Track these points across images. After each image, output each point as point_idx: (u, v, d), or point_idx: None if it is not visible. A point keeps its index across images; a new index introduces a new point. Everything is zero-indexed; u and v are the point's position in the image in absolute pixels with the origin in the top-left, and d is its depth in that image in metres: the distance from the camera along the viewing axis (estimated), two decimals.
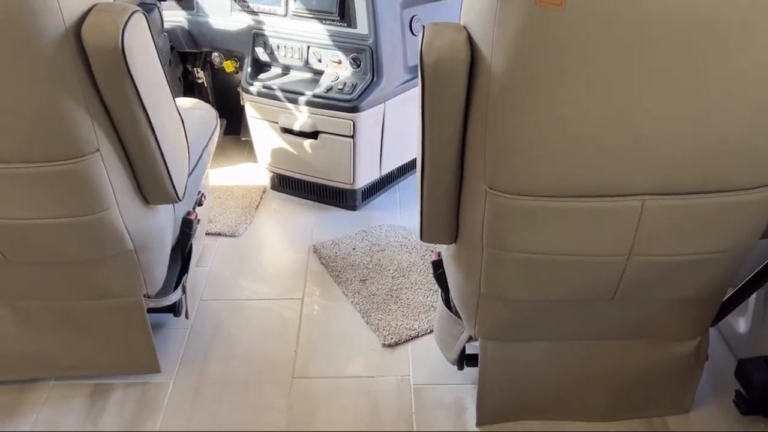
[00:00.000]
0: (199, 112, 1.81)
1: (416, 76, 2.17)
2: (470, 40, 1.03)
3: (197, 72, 2.46)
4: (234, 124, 2.67)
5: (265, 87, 2.10)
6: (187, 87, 2.53)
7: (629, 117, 0.98)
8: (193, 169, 1.62)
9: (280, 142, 2.19)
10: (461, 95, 1.05)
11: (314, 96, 2.03)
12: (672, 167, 1.04)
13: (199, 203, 1.80)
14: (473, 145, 1.10)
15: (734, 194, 1.08)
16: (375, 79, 2.02)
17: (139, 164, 1.28)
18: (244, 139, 2.53)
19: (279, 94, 2.07)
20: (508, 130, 1.03)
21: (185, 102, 1.86)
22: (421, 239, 1.30)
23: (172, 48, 2.21)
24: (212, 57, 2.32)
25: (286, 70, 2.17)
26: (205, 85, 2.52)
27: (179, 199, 1.39)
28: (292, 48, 2.09)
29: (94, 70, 1.10)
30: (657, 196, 1.07)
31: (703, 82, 0.95)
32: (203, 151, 1.71)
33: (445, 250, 1.41)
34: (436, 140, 1.13)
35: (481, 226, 1.15)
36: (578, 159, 1.03)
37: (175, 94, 2.36)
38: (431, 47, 1.02)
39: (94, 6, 1.09)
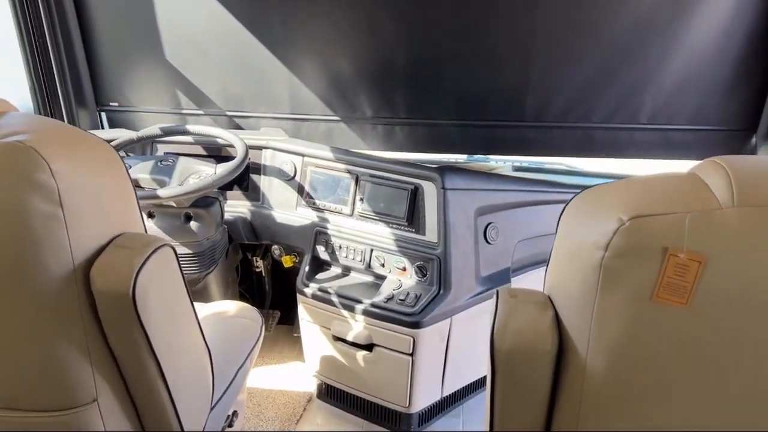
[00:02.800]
0: (242, 322, 1.63)
1: (490, 288, 1.95)
2: (557, 319, 0.79)
3: (256, 261, 2.35)
4: (288, 315, 2.50)
5: (321, 290, 1.92)
6: (245, 274, 2.41)
7: None
8: (222, 395, 1.40)
9: (332, 350, 1.96)
10: (543, 392, 0.80)
11: (372, 305, 1.82)
12: None
13: (230, 424, 1.56)
14: None
15: None
16: (442, 291, 1.81)
17: (144, 412, 1.07)
18: (296, 335, 2.33)
19: (335, 299, 1.88)
20: None
21: (230, 307, 1.69)
22: None
23: (231, 238, 2.12)
24: (272, 249, 2.20)
25: (347, 271, 2.00)
26: (263, 274, 2.39)
27: None
28: (354, 249, 1.94)
29: (100, 314, 0.93)
30: None
31: None
32: (239, 370, 1.50)
33: None
34: None
35: None
36: None
37: (229, 286, 2.24)
38: (506, 330, 0.79)
39: (114, 238, 0.95)
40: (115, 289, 0.90)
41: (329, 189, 2.01)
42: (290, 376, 2.22)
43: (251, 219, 2.13)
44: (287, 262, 2.13)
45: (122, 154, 2.14)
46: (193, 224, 1.87)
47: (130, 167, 1.86)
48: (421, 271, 1.84)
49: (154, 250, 0.96)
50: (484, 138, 2.29)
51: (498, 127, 2.27)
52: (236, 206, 2.13)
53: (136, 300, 0.91)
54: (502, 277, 1.98)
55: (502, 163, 2.43)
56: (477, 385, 2.11)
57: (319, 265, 2.04)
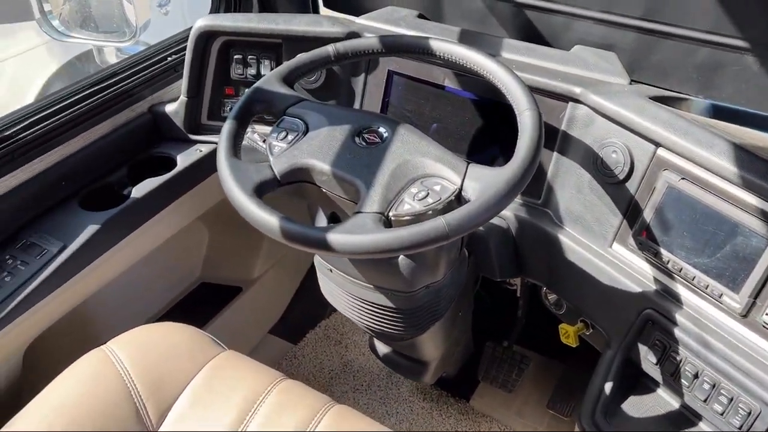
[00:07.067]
0: None
1: None
2: None
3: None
4: (545, 351, 1.54)
5: None
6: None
7: None
8: None
9: None
10: None
11: None
12: None
13: None
14: None
15: None
16: None
17: None
18: (567, 418, 1.38)
19: None
20: None
21: None
22: None
23: (468, 264, 1.15)
24: (543, 291, 1.19)
25: (689, 413, 0.93)
26: (518, 294, 1.42)
27: None
28: (727, 392, 0.84)
29: None
30: None
31: None
32: None
33: None
34: None
35: None
36: None
37: (456, 324, 1.29)
38: None
39: None
40: None
41: (704, 236, 0.89)
42: None
43: (515, 232, 1.11)
44: (569, 337, 1.11)
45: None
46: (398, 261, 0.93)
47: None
48: None
49: None
50: None
51: None
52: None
53: None
54: None
55: None
56: None
57: (633, 377, 1.00)
